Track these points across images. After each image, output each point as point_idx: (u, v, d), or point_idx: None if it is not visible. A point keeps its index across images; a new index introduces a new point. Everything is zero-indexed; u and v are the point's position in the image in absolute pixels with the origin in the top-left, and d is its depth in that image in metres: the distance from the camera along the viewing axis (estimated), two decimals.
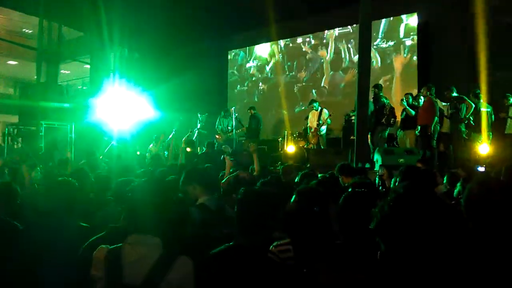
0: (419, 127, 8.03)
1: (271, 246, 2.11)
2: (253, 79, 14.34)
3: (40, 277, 2.10)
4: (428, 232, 1.83)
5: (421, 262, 1.72)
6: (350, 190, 3.02)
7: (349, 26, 12.12)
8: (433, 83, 8.42)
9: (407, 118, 8.67)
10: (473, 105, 7.93)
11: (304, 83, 13.14)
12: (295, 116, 12.78)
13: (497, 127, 8.05)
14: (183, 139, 10.88)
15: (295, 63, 13.40)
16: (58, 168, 5.32)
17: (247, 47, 14.47)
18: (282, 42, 13.72)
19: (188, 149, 8.75)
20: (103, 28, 11.65)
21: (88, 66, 15.84)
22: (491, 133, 7.94)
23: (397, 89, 11.12)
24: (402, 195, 1.93)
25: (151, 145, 11.59)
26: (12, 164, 5.67)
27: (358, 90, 7.62)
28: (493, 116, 8.07)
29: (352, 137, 8.38)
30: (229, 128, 11.56)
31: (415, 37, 10.90)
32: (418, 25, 10.87)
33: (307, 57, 13.14)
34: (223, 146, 10.47)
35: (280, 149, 10.74)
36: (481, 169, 5.97)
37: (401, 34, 11.20)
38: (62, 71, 16.65)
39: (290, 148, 9.69)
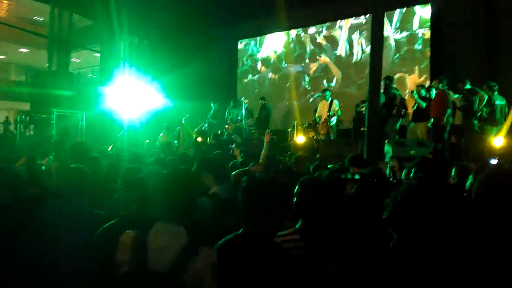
0: (431, 120, 7.95)
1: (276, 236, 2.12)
2: (264, 68, 14.25)
3: (54, 263, 2.12)
4: (441, 222, 1.82)
5: (434, 252, 1.72)
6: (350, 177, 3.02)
7: (362, 17, 11.95)
8: (446, 75, 8.32)
9: (418, 110, 8.59)
10: (486, 97, 7.82)
11: (315, 74, 13.03)
12: (305, 106, 12.71)
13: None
14: (195, 130, 10.93)
15: (306, 53, 13.28)
16: (71, 152, 5.29)
17: (258, 37, 14.36)
18: (293, 32, 13.57)
19: (199, 139, 8.78)
20: (113, 17, 11.66)
21: (98, 55, 15.92)
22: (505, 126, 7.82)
23: (411, 80, 10.98)
24: (416, 186, 1.92)
25: (161, 134, 11.65)
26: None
27: (370, 81, 7.55)
28: (506, 109, 7.95)
29: (362, 128, 8.32)
30: (238, 118, 11.55)
31: (429, 29, 10.74)
32: (431, 16, 10.70)
33: (319, 47, 13.00)
34: (233, 136, 10.48)
35: (289, 140, 10.72)
36: (494, 161, 5.90)
37: (415, 26, 11.04)
38: (72, 59, 16.73)
39: (300, 138, 9.65)
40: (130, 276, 1.71)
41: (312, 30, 13.17)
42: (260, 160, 5.01)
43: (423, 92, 8.64)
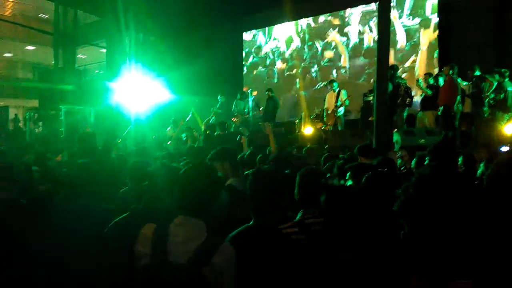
0: (441, 107, 7.86)
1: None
2: (272, 60, 14.17)
3: (66, 257, 2.14)
4: (453, 212, 1.79)
5: (446, 243, 1.70)
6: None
7: (372, 4, 11.72)
8: (456, 62, 8.21)
9: (425, 98, 8.52)
10: (495, 84, 7.71)
11: (324, 64, 12.92)
12: (313, 97, 12.64)
13: None
14: (204, 122, 10.94)
15: (315, 43, 13.15)
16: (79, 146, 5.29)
17: (266, 28, 14.26)
18: (302, 22, 13.40)
19: (208, 132, 8.80)
20: (118, 12, 11.65)
21: (104, 51, 15.95)
22: None
23: (422, 67, 10.84)
24: (427, 176, 1.89)
25: (168, 128, 11.67)
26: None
27: (377, 70, 7.46)
28: None
29: (370, 118, 8.26)
30: (245, 110, 11.52)
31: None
32: (439, 2, 10.54)
33: (327, 37, 12.86)
34: (240, 129, 10.47)
35: (297, 131, 10.69)
36: (505, 148, 5.84)
37: (427, 12, 10.87)
38: (78, 55, 16.79)
39: (308, 129, 9.63)
40: (151, 268, 1.73)
41: (321, 18, 13.00)
42: (272, 153, 5.01)
43: (430, 81, 8.56)
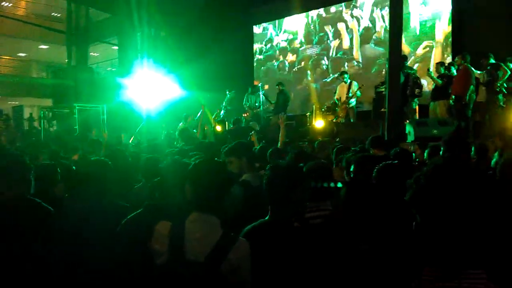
0: (453, 97, 7.75)
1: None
2: (283, 53, 14.09)
3: (79, 255, 2.17)
4: (466, 203, 1.78)
5: (458, 232, 1.69)
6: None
7: None
8: (469, 51, 8.07)
9: (436, 88, 8.41)
10: (509, 72, 7.56)
11: (335, 55, 12.81)
12: (324, 90, 12.57)
13: None
14: (213, 117, 10.96)
15: (326, 34, 13.02)
16: (91, 148, 5.41)
17: (276, 21, 14.17)
18: (313, 13, 13.25)
19: (219, 128, 8.82)
20: (129, 9, 11.73)
21: (116, 48, 16.09)
22: None
23: (437, 56, 10.67)
24: (440, 166, 1.88)
25: (180, 124, 11.74)
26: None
27: (389, 61, 7.40)
28: None
29: (383, 109, 8.19)
30: (256, 104, 11.52)
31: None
32: None
33: (339, 27, 12.72)
34: (251, 123, 10.49)
35: (308, 124, 10.65)
36: None
37: (439, 0, 10.67)
38: (91, 53, 16.95)
39: (319, 122, 9.58)
40: (169, 266, 1.74)
41: (332, 9, 12.85)
42: (279, 145, 5.00)
43: (442, 70, 8.44)
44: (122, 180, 3.23)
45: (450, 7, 10.42)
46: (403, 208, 2.13)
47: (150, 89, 10.57)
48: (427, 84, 9.83)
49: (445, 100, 8.10)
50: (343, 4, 12.59)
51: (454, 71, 8.18)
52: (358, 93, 9.88)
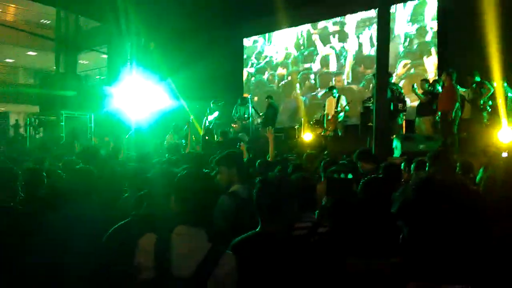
0: (439, 113, 7.88)
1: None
2: (272, 65, 14.21)
3: (63, 264, 2.13)
4: (452, 216, 1.80)
5: (445, 246, 1.70)
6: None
7: (372, 10, 11.68)
8: (454, 68, 8.23)
9: (422, 104, 8.56)
10: (492, 90, 7.73)
11: (323, 70, 12.96)
12: (312, 103, 12.67)
13: None
14: (202, 126, 10.91)
15: (315, 49, 13.20)
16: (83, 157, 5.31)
17: (266, 34, 14.31)
18: (303, 28, 13.44)
19: (207, 138, 8.80)
20: (119, 18, 11.72)
21: (105, 56, 16.02)
22: None
23: (421, 74, 10.86)
24: (425, 180, 1.90)
25: (168, 135, 11.66)
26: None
27: (377, 76, 7.50)
28: None
29: (370, 124, 8.28)
30: (245, 116, 11.52)
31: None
32: (438, 8, 10.59)
33: (326, 43, 12.91)
34: (240, 134, 10.48)
35: (297, 137, 10.70)
36: (505, 154, 5.84)
37: (426, 18, 10.92)
38: (80, 61, 16.86)
39: (307, 135, 9.64)
40: (154, 282, 1.70)
41: (321, 24, 13.04)
42: (269, 158, 5.01)
43: (426, 86, 8.60)
44: (110, 190, 3.18)
45: (436, 25, 10.66)
46: (389, 221, 2.15)
47: (139, 99, 10.53)
48: (410, 101, 9.97)
49: (430, 116, 8.24)
50: (330, 20, 12.79)
51: (439, 87, 8.33)
52: (347, 108, 9.99)
